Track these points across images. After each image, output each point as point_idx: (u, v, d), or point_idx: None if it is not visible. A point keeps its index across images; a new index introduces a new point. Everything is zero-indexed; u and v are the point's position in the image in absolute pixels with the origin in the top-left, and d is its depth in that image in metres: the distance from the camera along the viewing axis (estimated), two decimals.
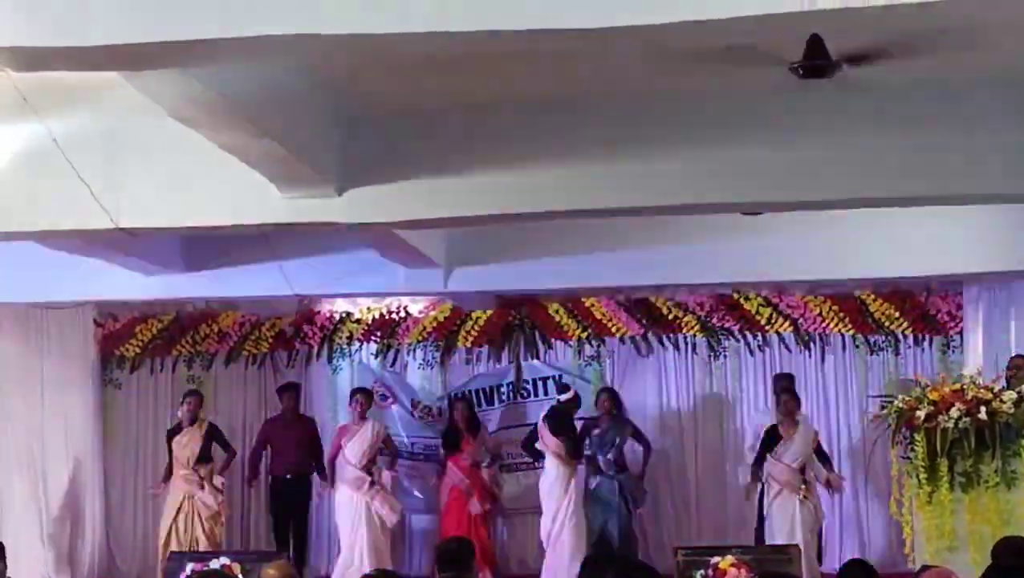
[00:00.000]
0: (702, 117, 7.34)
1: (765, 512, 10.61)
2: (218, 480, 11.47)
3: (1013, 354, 10.71)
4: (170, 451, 11.51)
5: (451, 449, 11.89)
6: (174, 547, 10.93)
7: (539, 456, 11.50)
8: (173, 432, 11.58)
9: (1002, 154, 7.19)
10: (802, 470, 10.51)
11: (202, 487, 11.30)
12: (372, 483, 11.28)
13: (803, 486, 10.45)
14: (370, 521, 11.24)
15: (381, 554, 11.23)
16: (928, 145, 7.21)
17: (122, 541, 12.69)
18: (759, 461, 10.70)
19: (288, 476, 11.82)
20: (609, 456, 11.36)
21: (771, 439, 10.65)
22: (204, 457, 11.40)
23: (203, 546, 11.01)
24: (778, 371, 11.98)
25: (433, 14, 4.55)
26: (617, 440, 11.43)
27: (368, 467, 11.34)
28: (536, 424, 11.53)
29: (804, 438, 10.60)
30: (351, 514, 11.28)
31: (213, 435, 11.58)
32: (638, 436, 11.64)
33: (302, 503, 11.93)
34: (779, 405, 10.83)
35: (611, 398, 11.59)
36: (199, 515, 11.25)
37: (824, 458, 10.93)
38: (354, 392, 11.70)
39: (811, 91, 6.54)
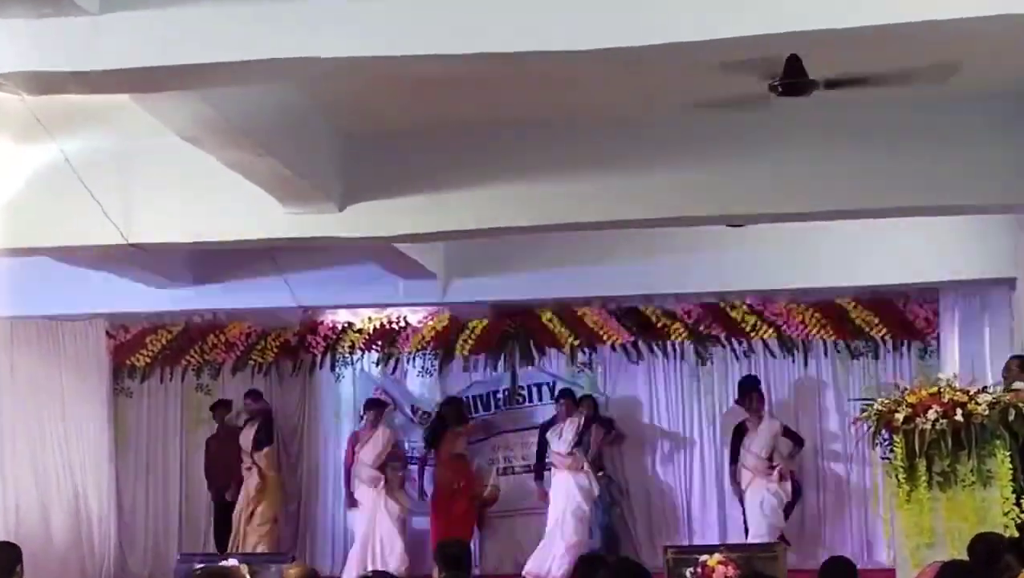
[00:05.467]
0: (688, 134, 7.38)
1: (742, 499, 11.26)
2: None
3: (988, 357, 10.73)
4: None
5: (433, 445, 11.96)
6: (242, 524, 11.69)
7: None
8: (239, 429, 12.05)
9: (977, 167, 7.24)
10: (769, 458, 11.11)
11: (250, 469, 11.78)
12: (386, 481, 11.62)
13: (771, 471, 11.05)
14: (385, 517, 11.54)
15: (395, 550, 11.51)
16: (905, 159, 7.26)
17: (134, 543, 12.68)
18: (734, 457, 11.33)
19: (232, 486, 11.99)
20: (588, 457, 11.54)
21: (740, 434, 11.27)
22: (259, 445, 11.85)
23: (258, 520, 11.71)
24: (763, 376, 12.06)
25: (427, 37, 4.60)
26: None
27: (382, 468, 11.66)
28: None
29: (769, 431, 11.18)
30: (368, 510, 11.57)
31: (260, 427, 11.97)
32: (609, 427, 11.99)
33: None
34: (747, 403, 11.38)
35: (591, 403, 11.84)
36: (248, 493, 11.80)
37: (794, 437, 11.38)
38: (368, 405, 11.97)
39: (793, 108, 6.57)
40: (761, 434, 11.14)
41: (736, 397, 11.75)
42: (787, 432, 11.37)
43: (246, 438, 11.95)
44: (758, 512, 11.01)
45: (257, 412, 12.07)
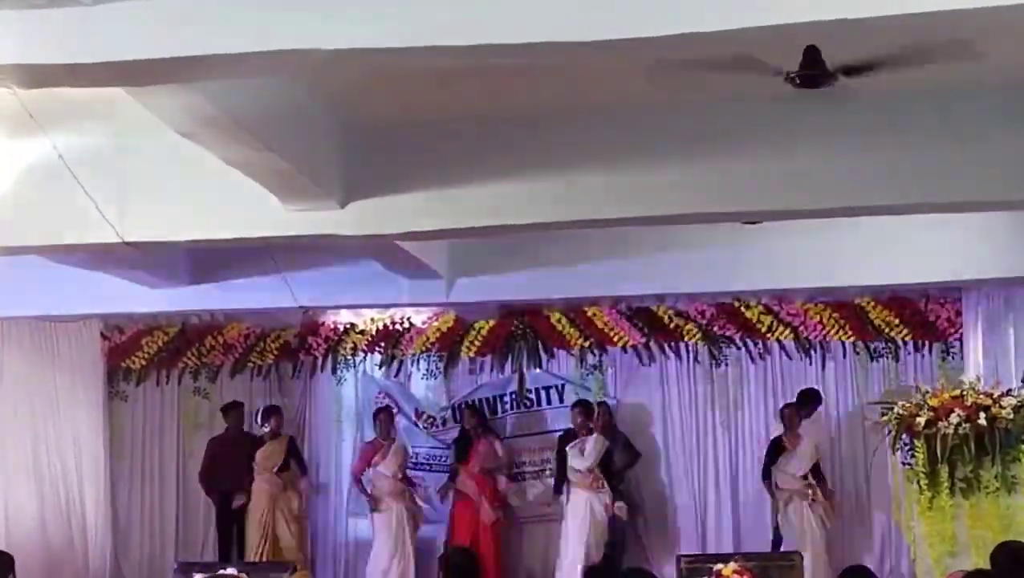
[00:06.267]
0: (701, 127, 7.36)
1: (780, 520, 11.04)
2: (303, 483, 12.05)
3: (1013, 359, 10.72)
4: (252, 461, 11.88)
5: (460, 456, 11.94)
6: (259, 546, 11.58)
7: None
8: (256, 444, 11.93)
9: (999, 161, 7.20)
10: (806, 477, 10.95)
11: (285, 490, 11.77)
12: (411, 494, 11.80)
13: (810, 491, 10.88)
14: (408, 531, 11.64)
15: (417, 564, 11.65)
16: (925, 153, 7.23)
17: (129, 552, 12.68)
18: (766, 473, 11.20)
19: (234, 492, 11.96)
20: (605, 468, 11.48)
21: (775, 451, 11.12)
22: (285, 466, 11.86)
23: (287, 543, 11.67)
24: (779, 378, 12.09)
25: (433, 28, 4.58)
26: (613, 452, 11.57)
27: (404, 480, 11.80)
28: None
29: (808, 450, 11.03)
30: (394, 526, 11.61)
31: (291, 449, 12.00)
32: (629, 447, 11.87)
33: (243, 518, 12.02)
34: (782, 418, 11.28)
35: (607, 412, 11.78)
36: (282, 514, 11.74)
37: (819, 477, 11.14)
38: (377, 413, 12.03)
39: (809, 101, 6.56)
40: (799, 455, 11.00)
41: (796, 407, 11.45)
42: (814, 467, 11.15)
43: (267, 456, 11.86)
44: (803, 532, 10.88)
45: (279, 430, 12.01)
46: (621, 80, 6.64)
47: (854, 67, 5.96)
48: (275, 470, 11.79)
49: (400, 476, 11.69)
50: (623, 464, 11.77)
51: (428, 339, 12.58)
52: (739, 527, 12.06)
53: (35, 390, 12.17)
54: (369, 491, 11.77)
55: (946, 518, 8.51)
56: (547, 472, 12.20)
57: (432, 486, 12.30)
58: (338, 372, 12.74)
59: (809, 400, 11.54)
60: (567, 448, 11.47)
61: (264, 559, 11.46)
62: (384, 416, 11.91)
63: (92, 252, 8.89)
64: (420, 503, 11.97)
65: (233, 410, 12.20)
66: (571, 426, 11.67)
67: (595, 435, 11.39)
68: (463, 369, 12.67)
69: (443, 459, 12.32)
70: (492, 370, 12.63)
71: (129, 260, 9.56)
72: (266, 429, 11.92)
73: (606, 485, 11.36)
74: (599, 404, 11.82)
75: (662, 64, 5.63)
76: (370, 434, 12.12)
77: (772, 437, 11.41)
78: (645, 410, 12.39)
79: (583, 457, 11.32)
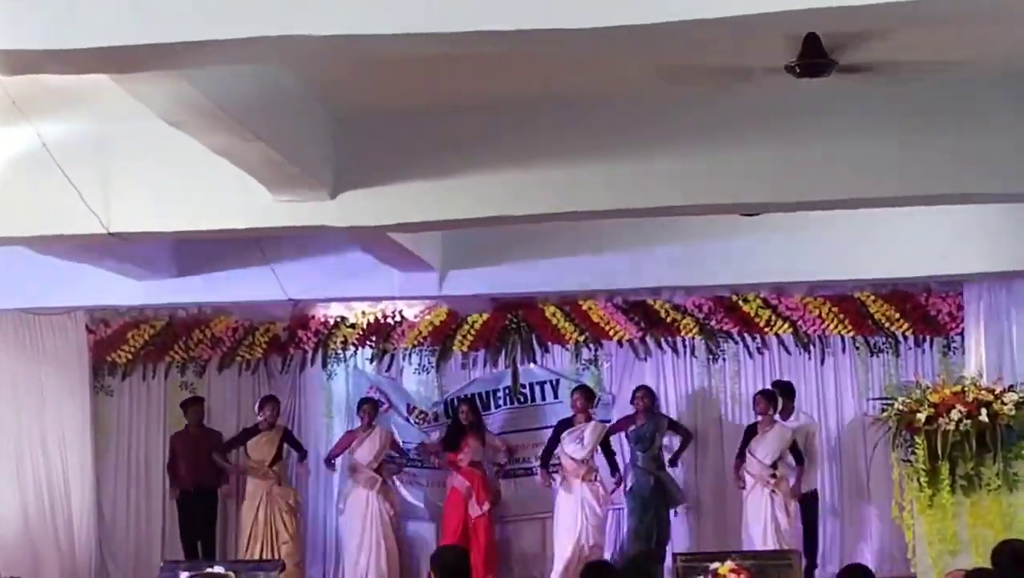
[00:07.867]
0: (699, 118, 7.36)
1: (743, 506, 11.21)
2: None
3: (1015, 354, 10.74)
4: (244, 452, 12.02)
5: (450, 448, 11.94)
6: (259, 540, 11.66)
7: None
8: (250, 434, 11.99)
9: (1002, 153, 7.21)
10: (774, 465, 11.03)
11: (279, 483, 11.83)
12: (383, 482, 11.81)
13: (773, 480, 10.98)
14: (381, 519, 11.71)
15: (391, 554, 11.73)
16: (927, 144, 7.24)
17: (114, 548, 12.66)
18: (740, 456, 11.34)
19: (193, 489, 12.04)
20: (647, 453, 11.51)
21: (748, 436, 11.27)
22: (279, 457, 11.92)
23: (284, 537, 11.72)
24: (777, 373, 12.09)
25: (424, 14, 4.57)
26: (656, 436, 11.59)
27: (379, 470, 11.81)
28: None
29: (777, 437, 11.08)
30: (363, 513, 11.72)
31: (287, 438, 12.06)
32: (675, 428, 11.90)
33: (209, 515, 12.11)
34: (761, 405, 11.32)
35: (648, 395, 11.73)
36: (278, 508, 11.80)
37: (798, 457, 11.17)
38: (361, 403, 12.08)
39: (809, 90, 6.55)
40: (768, 440, 11.06)
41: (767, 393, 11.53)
42: (792, 447, 11.18)
43: (257, 447, 11.87)
44: (757, 524, 10.97)
45: (274, 421, 12.01)
46: (616, 69, 6.63)
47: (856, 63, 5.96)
48: (268, 464, 11.79)
49: (376, 465, 11.76)
50: (677, 446, 11.82)
51: (420, 333, 12.58)
52: (734, 522, 12.05)
53: (19, 384, 12.13)
54: (345, 479, 11.90)
55: (947, 516, 8.53)
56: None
57: (423, 482, 12.31)
58: (328, 366, 12.73)
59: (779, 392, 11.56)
60: (563, 434, 11.49)
61: (264, 555, 11.48)
62: (368, 406, 11.97)
63: (77, 243, 8.87)
64: (404, 496, 12.05)
65: (192, 406, 12.24)
66: (572, 415, 11.68)
67: (593, 422, 11.43)
68: (455, 364, 12.68)
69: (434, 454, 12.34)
70: (485, 365, 12.65)
71: (115, 251, 9.54)
72: (260, 419, 11.94)
73: (599, 476, 11.39)
74: (641, 387, 11.81)
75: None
76: None
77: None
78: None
79: (581, 445, 11.34)
